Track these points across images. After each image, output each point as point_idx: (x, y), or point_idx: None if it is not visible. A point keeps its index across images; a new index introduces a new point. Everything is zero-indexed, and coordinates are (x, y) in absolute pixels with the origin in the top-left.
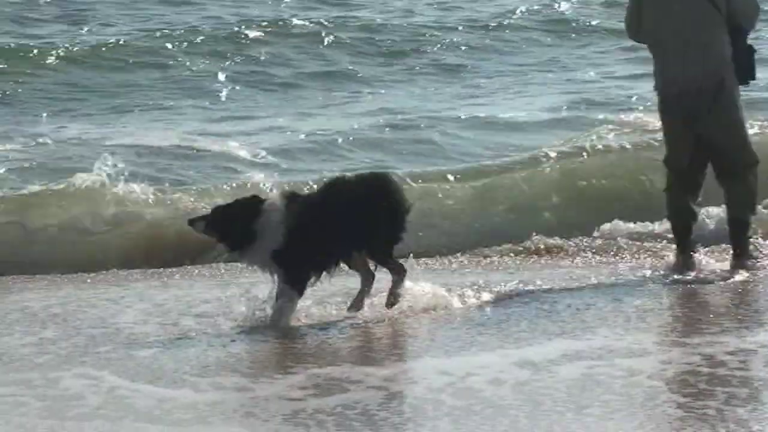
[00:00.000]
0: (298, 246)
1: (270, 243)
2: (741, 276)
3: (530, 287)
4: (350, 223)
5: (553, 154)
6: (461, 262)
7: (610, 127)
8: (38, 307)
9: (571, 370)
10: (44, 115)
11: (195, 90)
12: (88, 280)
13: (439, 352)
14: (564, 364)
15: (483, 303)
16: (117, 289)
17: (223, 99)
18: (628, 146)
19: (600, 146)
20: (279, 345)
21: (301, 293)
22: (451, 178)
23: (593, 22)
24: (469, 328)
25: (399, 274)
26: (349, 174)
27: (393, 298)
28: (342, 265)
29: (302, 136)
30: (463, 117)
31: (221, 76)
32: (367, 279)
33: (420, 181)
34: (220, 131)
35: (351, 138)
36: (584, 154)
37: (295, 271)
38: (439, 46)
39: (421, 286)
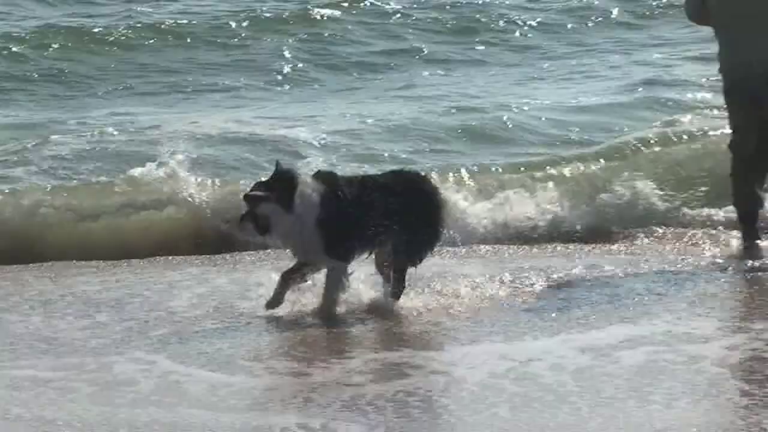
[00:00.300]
0: (339, 217)
1: (311, 214)
2: None
3: (592, 272)
4: (382, 213)
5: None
6: (524, 248)
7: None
8: (92, 291)
9: (633, 356)
10: (101, 95)
11: (259, 70)
12: (143, 265)
13: (500, 337)
14: (626, 349)
15: (544, 288)
16: (172, 273)
17: (288, 79)
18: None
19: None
20: (334, 330)
21: (348, 262)
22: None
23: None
24: (530, 313)
25: (395, 293)
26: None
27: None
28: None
29: (369, 120)
30: (534, 101)
31: (287, 54)
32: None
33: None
34: (283, 114)
35: (417, 123)
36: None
37: (340, 241)
38: (508, 24)
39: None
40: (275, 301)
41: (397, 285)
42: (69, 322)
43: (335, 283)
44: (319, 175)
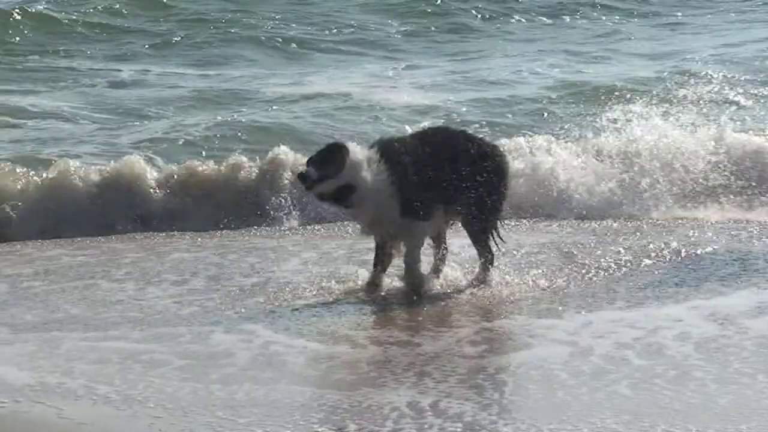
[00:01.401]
0: (407, 177)
1: (375, 180)
2: None
3: (722, 239)
4: (446, 173)
5: None
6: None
7: None
8: (189, 258)
9: (761, 326)
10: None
11: (369, 42)
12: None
13: (622, 304)
14: (755, 317)
15: (669, 255)
16: (271, 241)
17: (398, 47)
18: None
19: None
20: (439, 299)
21: (425, 219)
22: None
23: None
24: (656, 279)
25: (485, 263)
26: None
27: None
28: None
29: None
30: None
31: (394, 24)
32: (441, 250)
33: None
34: (394, 81)
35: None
36: None
37: (416, 199)
38: None
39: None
40: (373, 286)
41: (483, 252)
42: (162, 290)
43: (414, 254)
44: (378, 142)
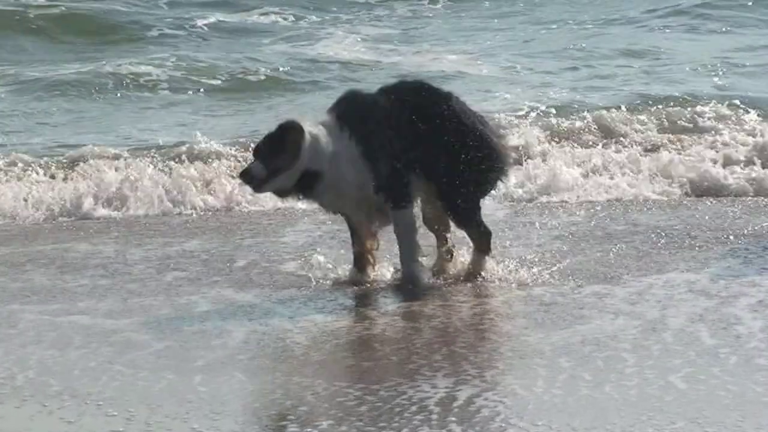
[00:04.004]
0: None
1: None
2: None
3: None
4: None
5: None
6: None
7: None
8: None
9: None
10: None
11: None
12: None
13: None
14: None
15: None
16: None
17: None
18: None
19: None
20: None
21: (409, 202)
22: None
23: None
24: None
25: (480, 246)
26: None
27: (469, 270)
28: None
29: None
30: None
31: None
32: (442, 239)
33: None
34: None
35: None
36: None
37: (391, 176)
38: None
39: None
40: (359, 278)
41: (475, 232)
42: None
43: (409, 250)
44: (336, 105)
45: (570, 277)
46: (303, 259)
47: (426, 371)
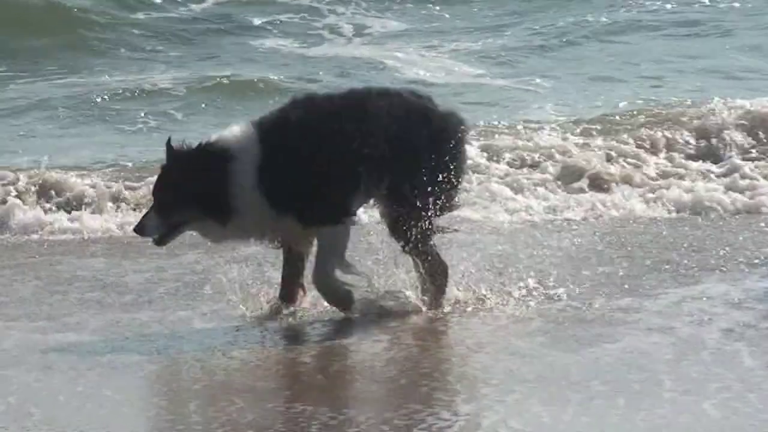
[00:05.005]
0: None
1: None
2: None
3: None
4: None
5: None
6: None
7: None
8: None
9: None
10: None
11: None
12: None
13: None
14: None
15: None
16: None
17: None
18: None
19: None
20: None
21: (350, 215)
22: None
23: None
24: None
25: (434, 273)
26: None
27: (431, 300)
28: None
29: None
30: None
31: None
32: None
33: None
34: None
35: None
36: None
37: (323, 194)
38: None
39: None
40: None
41: (426, 266)
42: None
43: (327, 267)
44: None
45: (597, 292)
46: None
47: (442, 396)
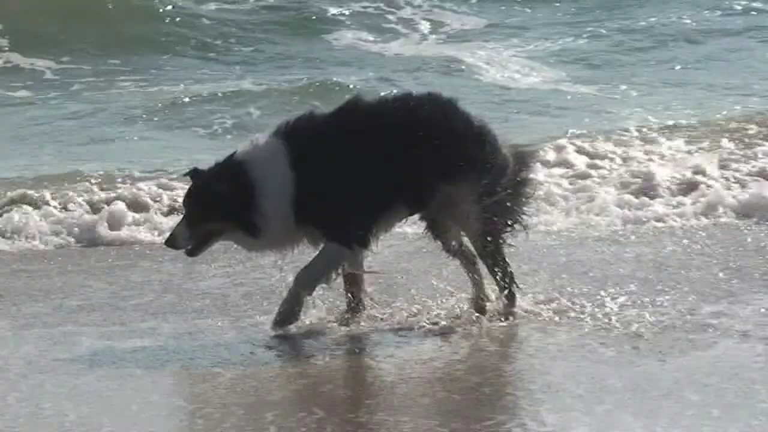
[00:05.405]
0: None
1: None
2: None
3: None
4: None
5: None
6: None
7: None
8: None
9: None
10: None
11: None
12: None
13: None
14: None
15: None
16: None
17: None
18: None
19: None
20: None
21: (361, 243)
22: None
23: None
24: None
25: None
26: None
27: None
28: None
29: None
30: None
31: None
32: (473, 268)
33: None
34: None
35: None
36: None
37: (340, 216)
38: None
39: None
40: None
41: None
42: None
43: (328, 266)
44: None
45: (686, 298)
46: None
47: (526, 405)
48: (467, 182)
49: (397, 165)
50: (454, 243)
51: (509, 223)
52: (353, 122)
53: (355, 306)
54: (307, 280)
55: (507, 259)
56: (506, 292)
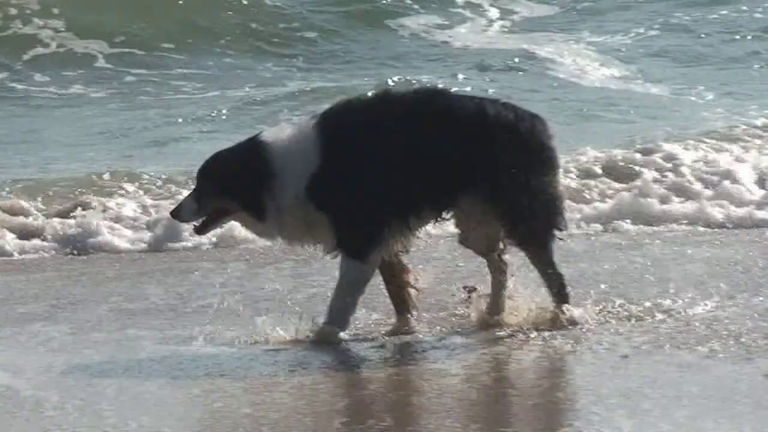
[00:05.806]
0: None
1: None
2: None
3: None
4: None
5: None
6: None
7: None
8: None
9: None
10: None
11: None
12: None
13: None
14: None
15: None
16: None
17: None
18: None
19: None
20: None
21: (370, 261)
22: None
23: None
24: None
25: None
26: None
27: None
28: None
29: None
30: None
31: None
32: (498, 270)
33: None
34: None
35: None
36: None
37: (355, 222)
38: None
39: None
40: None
41: (551, 280)
42: None
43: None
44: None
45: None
46: None
47: (600, 410)
48: (504, 183)
49: (433, 164)
50: (486, 246)
51: (552, 225)
52: (390, 114)
53: (401, 313)
54: (336, 315)
55: (556, 265)
56: (556, 297)
